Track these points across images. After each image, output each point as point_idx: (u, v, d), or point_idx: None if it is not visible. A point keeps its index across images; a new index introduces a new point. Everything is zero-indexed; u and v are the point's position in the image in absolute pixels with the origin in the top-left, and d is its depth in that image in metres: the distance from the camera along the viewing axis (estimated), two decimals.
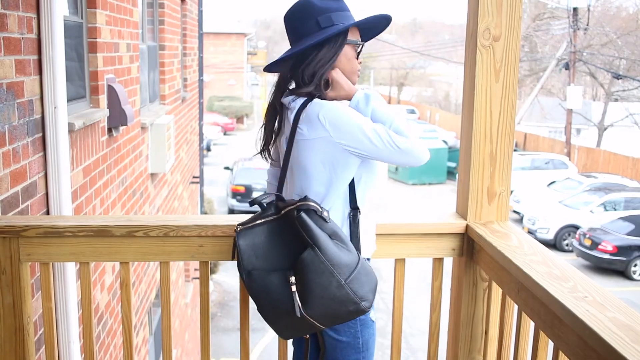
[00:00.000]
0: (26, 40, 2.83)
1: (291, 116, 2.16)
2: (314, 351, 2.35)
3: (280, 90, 2.26)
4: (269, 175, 2.48)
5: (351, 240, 2.16)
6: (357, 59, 2.23)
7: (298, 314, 2.00)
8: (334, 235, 2.03)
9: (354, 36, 2.20)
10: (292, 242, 2.05)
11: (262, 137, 2.32)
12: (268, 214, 2.12)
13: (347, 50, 2.19)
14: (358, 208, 2.19)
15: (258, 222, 2.12)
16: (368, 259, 2.27)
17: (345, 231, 2.16)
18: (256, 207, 2.16)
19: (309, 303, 1.99)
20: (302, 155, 2.13)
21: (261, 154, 2.35)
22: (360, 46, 2.24)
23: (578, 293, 1.79)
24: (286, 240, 2.08)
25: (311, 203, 2.04)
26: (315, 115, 2.09)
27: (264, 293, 2.05)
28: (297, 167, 2.17)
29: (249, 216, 2.19)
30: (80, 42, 3.93)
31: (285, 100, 2.21)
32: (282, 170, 2.25)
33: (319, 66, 2.15)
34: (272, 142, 2.32)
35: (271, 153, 2.36)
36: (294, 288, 2.01)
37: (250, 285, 2.07)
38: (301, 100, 2.15)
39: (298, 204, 2.05)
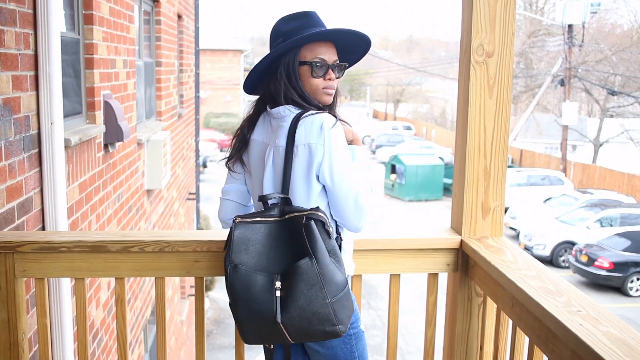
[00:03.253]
0: (23, 56, 2.85)
1: (285, 123, 2.12)
2: None
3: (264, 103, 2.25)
4: (230, 193, 2.36)
5: None
6: (324, 77, 2.17)
7: (278, 319, 1.97)
8: (332, 253, 2.02)
9: (311, 54, 2.16)
10: (288, 248, 2.04)
11: (235, 145, 2.29)
12: (270, 214, 2.08)
13: (303, 70, 2.17)
14: (340, 234, 2.20)
15: (258, 219, 2.07)
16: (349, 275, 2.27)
17: None
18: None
19: (288, 312, 1.97)
20: (293, 161, 2.10)
21: (228, 162, 2.31)
22: (319, 64, 2.16)
23: (572, 307, 1.79)
24: (282, 245, 2.05)
25: (321, 214, 2.03)
26: (319, 123, 2.07)
27: (245, 290, 2.00)
28: (277, 175, 2.15)
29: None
30: (77, 58, 3.95)
31: (277, 109, 2.16)
32: (256, 178, 2.23)
33: (285, 88, 2.15)
34: (239, 152, 2.28)
35: (233, 167, 2.32)
36: (278, 293, 1.99)
37: (233, 279, 2.01)
38: (299, 110, 2.13)
39: (309, 212, 2.02)
